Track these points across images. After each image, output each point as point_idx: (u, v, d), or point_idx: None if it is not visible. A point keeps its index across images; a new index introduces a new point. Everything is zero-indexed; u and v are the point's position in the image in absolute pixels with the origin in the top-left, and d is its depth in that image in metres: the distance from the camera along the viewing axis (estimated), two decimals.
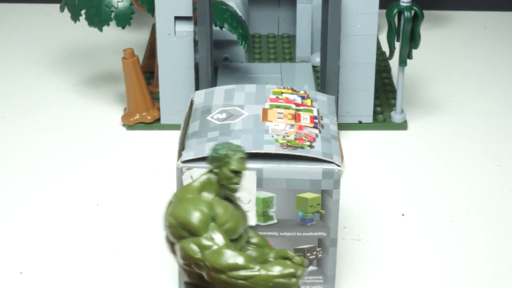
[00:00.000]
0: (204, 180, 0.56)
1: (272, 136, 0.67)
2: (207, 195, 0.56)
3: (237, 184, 0.55)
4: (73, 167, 0.91)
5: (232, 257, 0.52)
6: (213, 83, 0.96)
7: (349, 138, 0.97)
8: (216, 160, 0.55)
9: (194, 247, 0.54)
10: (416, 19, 0.92)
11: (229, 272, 0.52)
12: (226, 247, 0.53)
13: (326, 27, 0.91)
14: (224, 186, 0.55)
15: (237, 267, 0.52)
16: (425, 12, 0.96)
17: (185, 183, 0.66)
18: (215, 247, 0.53)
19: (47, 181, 0.89)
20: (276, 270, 0.52)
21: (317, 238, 0.68)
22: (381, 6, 0.94)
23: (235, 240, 0.55)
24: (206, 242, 0.54)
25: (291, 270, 0.52)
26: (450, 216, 0.83)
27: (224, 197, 0.56)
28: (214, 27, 0.97)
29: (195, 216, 0.54)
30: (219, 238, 0.53)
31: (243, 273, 0.52)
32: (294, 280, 0.52)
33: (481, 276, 0.75)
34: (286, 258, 0.56)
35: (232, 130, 0.68)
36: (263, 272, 0.52)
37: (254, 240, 0.58)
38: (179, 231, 0.55)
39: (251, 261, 0.52)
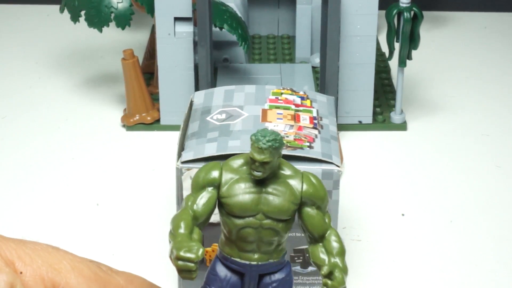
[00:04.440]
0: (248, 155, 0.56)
1: None
2: (243, 168, 0.56)
3: (254, 170, 0.54)
4: (73, 167, 0.91)
5: (174, 221, 0.54)
6: (213, 84, 0.96)
7: (348, 138, 0.97)
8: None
9: (183, 202, 0.56)
10: (416, 20, 0.92)
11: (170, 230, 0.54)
12: (186, 211, 0.55)
13: (325, 28, 0.91)
14: None
15: (171, 228, 0.54)
16: (425, 13, 0.96)
17: (184, 183, 0.66)
18: (185, 206, 0.55)
19: (47, 181, 0.89)
20: (179, 248, 0.52)
21: None
22: (381, 7, 0.94)
23: (239, 218, 0.55)
24: (187, 200, 0.55)
25: (191, 256, 0.51)
26: (450, 216, 0.84)
27: (257, 179, 0.55)
28: (213, 28, 0.97)
29: (197, 176, 0.56)
30: (198, 204, 0.55)
31: (169, 235, 0.54)
32: (184, 264, 0.52)
33: (481, 276, 0.75)
34: (330, 273, 0.56)
35: (231, 131, 0.68)
36: (175, 244, 0.53)
37: (328, 243, 0.57)
38: None
39: (180, 235, 0.53)
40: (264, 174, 0.54)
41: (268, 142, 0.53)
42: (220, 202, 0.55)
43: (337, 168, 0.66)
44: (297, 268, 0.70)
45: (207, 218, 0.55)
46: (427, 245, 0.79)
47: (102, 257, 0.77)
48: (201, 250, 0.51)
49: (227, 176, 0.55)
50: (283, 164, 0.56)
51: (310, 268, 0.70)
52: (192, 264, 0.51)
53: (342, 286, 0.55)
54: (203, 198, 0.55)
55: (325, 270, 0.55)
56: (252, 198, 0.55)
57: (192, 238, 0.53)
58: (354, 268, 0.76)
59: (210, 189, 0.55)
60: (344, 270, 0.55)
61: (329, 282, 0.55)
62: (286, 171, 0.56)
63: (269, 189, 0.55)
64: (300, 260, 0.69)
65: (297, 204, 0.55)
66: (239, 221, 0.55)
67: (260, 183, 0.55)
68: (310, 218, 0.56)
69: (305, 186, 0.56)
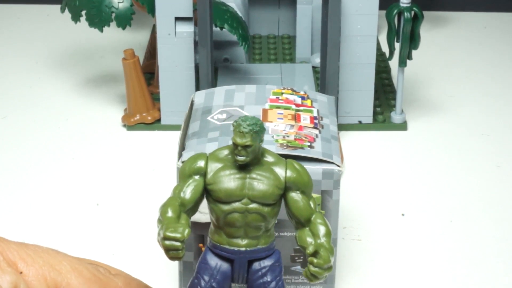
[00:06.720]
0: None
1: (272, 137, 0.67)
2: (228, 157, 0.57)
3: (237, 155, 0.56)
4: (73, 167, 0.91)
5: (161, 208, 0.56)
6: (213, 84, 0.96)
7: (349, 138, 0.97)
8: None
9: (171, 191, 0.58)
10: (416, 20, 0.93)
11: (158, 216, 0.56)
12: (174, 198, 0.56)
13: (326, 27, 0.91)
14: None
15: (159, 215, 0.56)
16: (425, 13, 0.97)
17: None
18: (173, 195, 0.57)
19: (47, 181, 0.89)
20: (166, 229, 0.54)
21: None
22: (381, 7, 0.94)
23: (225, 203, 0.56)
24: (175, 189, 0.57)
25: (177, 235, 0.53)
26: (450, 216, 0.84)
27: (239, 165, 0.57)
28: (214, 28, 0.97)
29: (183, 166, 0.58)
30: (185, 191, 0.57)
31: (157, 221, 0.56)
32: (171, 243, 0.53)
33: (481, 276, 0.75)
34: (316, 252, 0.56)
35: (232, 131, 0.68)
36: (162, 226, 0.54)
37: (314, 226, 0.58)
38: None
39: (167, 219, 0.55)
40: (247, 158, 0.56)
41: (248, 126, 0.56)
42: (207, 190, 0.57)
43: (338, 168, 0.66)
44: (298, 268, 0.70)
45: (195, 205, 0.57)
46: (427, 245, 0.79)
47: (102, 257, 0.77)
48: (187, 230, 0.53)
49: (212, 165, 0.57)
50: (267, 152, 0.58)
51: None
52: (179, 243, 0.53)
53: (328, 264, 0.56)
54: (190, 185, 0.57)
55: (310, 249, 0.56)
56: (237, 183, 0.56)
57: (179, 222, 0.55)
58: (354, 268, 0.76)
59: (196, 177, 0.57)
60: (330, 251, 0.56)
61: (314, 260, 0.56)
62: (270, 159, 0.58)
63: (254, 175, 0.57)
64: (301, 260, 0.69)
65: (281, 189, 0.57)
66: (226, 207, 0.56)
67: (245, 170, 0.57)
68: (295, 202, 0.57)
69: (289, 172, 0.57)
